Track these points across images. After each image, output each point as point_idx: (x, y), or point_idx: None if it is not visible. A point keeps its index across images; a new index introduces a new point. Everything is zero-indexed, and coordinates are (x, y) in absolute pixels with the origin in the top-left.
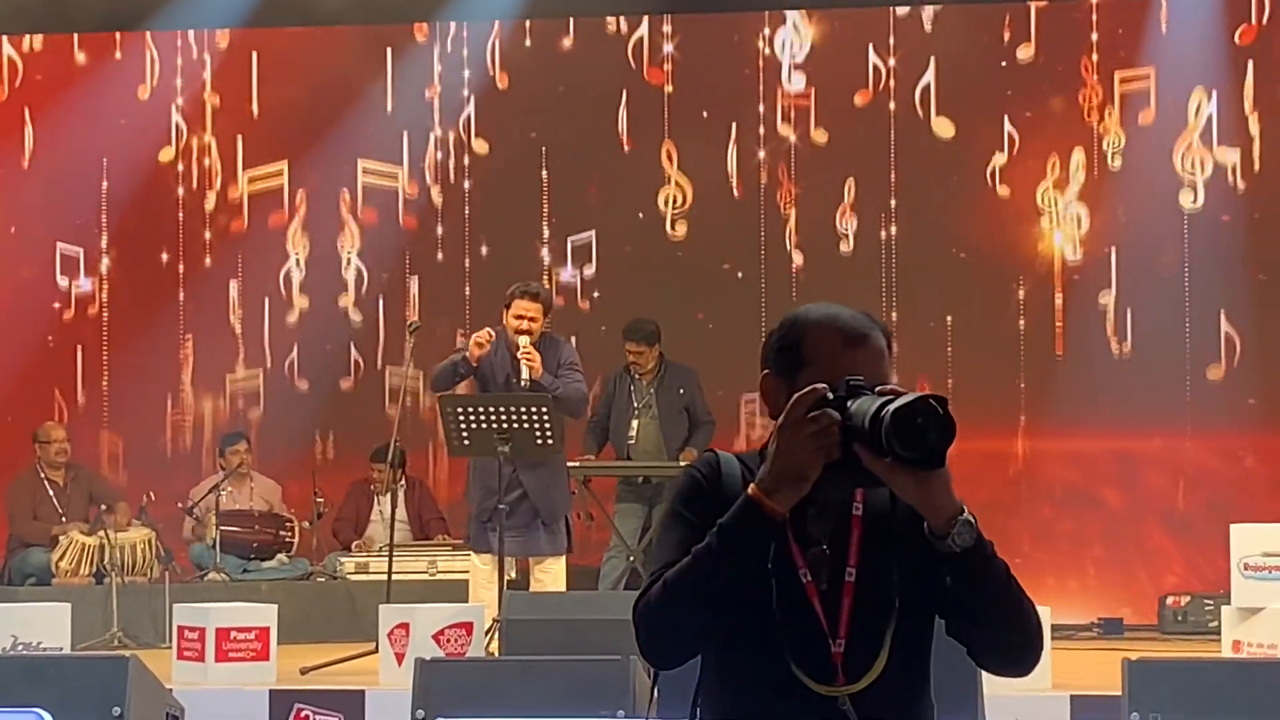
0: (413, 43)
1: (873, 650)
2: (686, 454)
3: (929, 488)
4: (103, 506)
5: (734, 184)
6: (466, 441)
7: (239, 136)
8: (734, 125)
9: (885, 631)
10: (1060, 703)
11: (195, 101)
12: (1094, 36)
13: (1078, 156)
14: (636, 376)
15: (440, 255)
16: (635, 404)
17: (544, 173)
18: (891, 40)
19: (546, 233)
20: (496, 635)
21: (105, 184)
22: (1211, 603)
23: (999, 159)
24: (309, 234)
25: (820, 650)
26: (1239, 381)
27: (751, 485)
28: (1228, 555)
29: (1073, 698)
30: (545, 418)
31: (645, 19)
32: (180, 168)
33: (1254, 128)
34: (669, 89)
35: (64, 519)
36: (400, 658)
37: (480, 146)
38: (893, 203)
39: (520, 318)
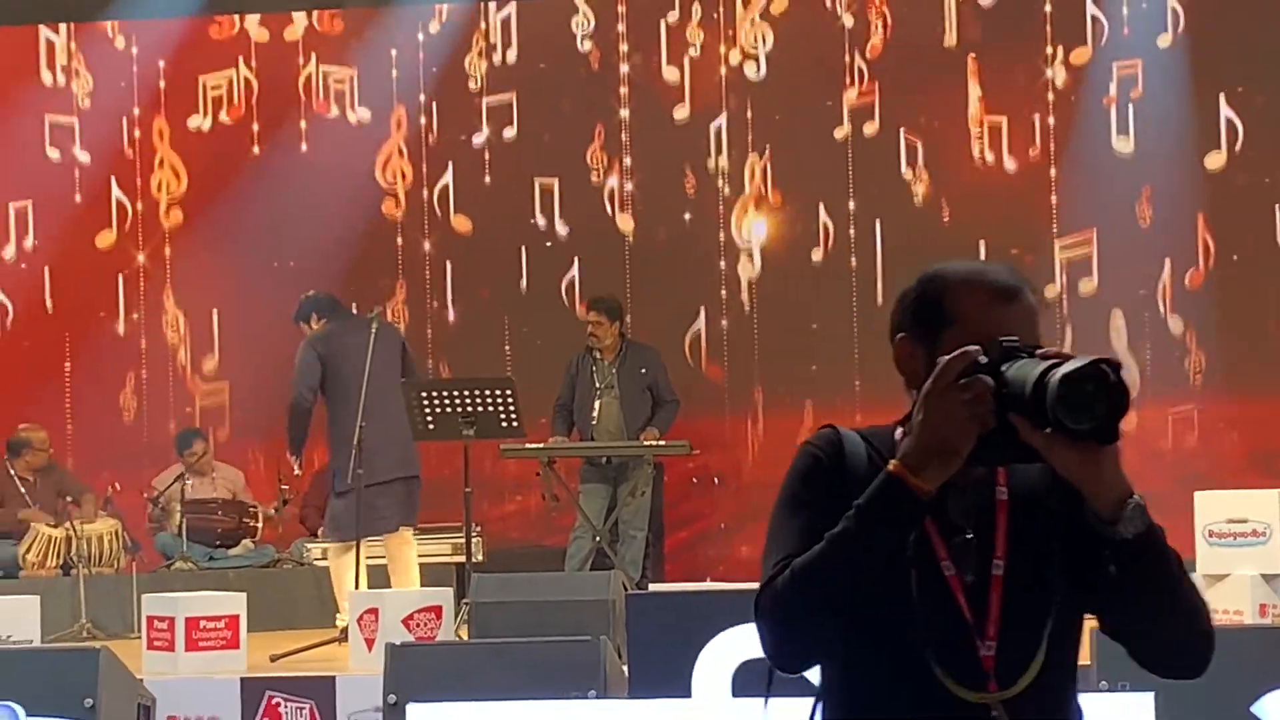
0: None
1: (1025, 652)
2: (648, 434)
3: (1097, 465)
4: (69, 499)
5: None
6: (431, 425)
7: None
8: None
9: (1039, 630)
10: None
11: None
12: None
13: None
14: (598, 357)
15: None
16: (597, 384)
17: None
18: None
19: None
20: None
21: None
22: None
23: None
24: None
25: (966, 652)
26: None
27: (893, 461)
28: (1191, 523)
29: None
30: (509, 400)
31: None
32: None
33: None
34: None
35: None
36: (370, 643)
37: None
38: None
39: None
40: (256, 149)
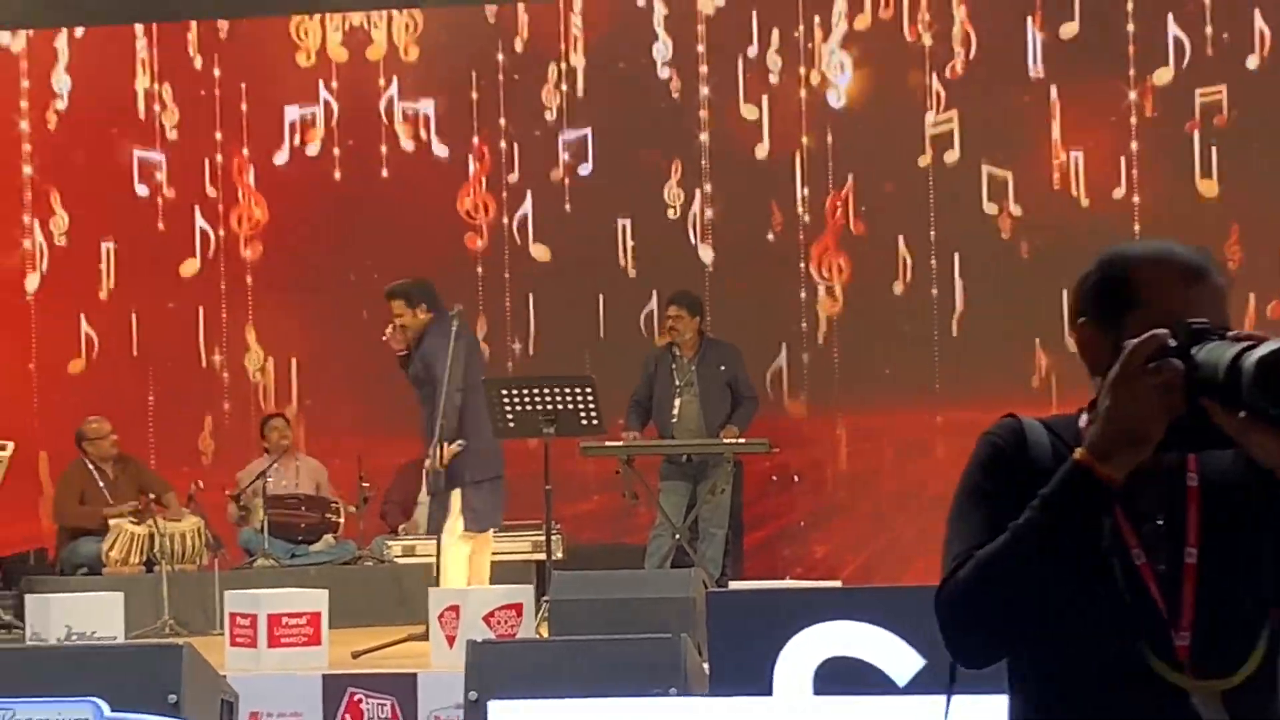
0: None
1: (1221, 643)
2: (728, 430)
3: None
4: (151, 496)
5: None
6: (511, 423)
7: None
8: None
9: (1235, 620)
10: None
11: None
12: None
13: None
14: (678, 354)
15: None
16: (677, 381)
17: None
18: None
19: None
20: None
21: None
22: None
23: None
24: None
25: (1161, 642)
26: None
27: (1079, 449)
28: None
29: None
30: (589, 398)
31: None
32: None
33: None
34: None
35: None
36: (451, 640)
37: None
38: None
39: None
40: (338, 174)
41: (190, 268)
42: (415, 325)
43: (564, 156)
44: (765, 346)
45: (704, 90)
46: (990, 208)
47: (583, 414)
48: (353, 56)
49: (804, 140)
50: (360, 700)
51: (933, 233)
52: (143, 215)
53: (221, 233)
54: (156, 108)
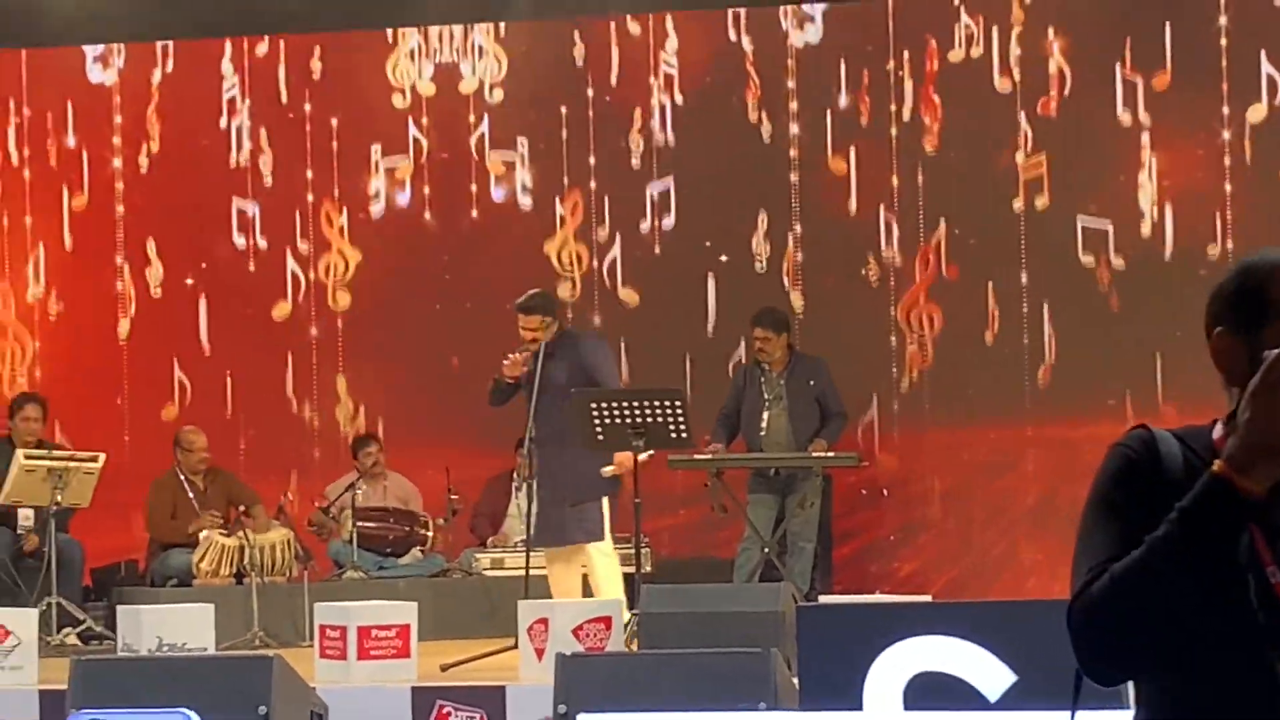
0: None
1: None
2: (816, 444)
3: None
4: (241, 508)
5: None
6: (600, 436)
7: None
8: None
9: None
10: None
11: None
12: None
13: None
14: (766, 368)
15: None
16: (766, 395)
17: None
18: None
19: None
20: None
21: None
22: None
23: None
24: None
25: None
26: None
27: (1218, 461)
28: None
29: None
30: (679, 411)
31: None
32: None
33: None
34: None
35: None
36: (540, 653)
37: None
38: None
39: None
40: (428, 215)
41: (281, 311)
42: (548, 337)
43: (651, 199)
44: (856, 392)
45: (794, 129)
46: (1087, 258)
47: (672, 427)
48: (442, 93)
49: (894, 182)
50: (449, 713)
51: (1024, 278)
52: (234, 260)
53: (313, 276)
54: (248, 145)
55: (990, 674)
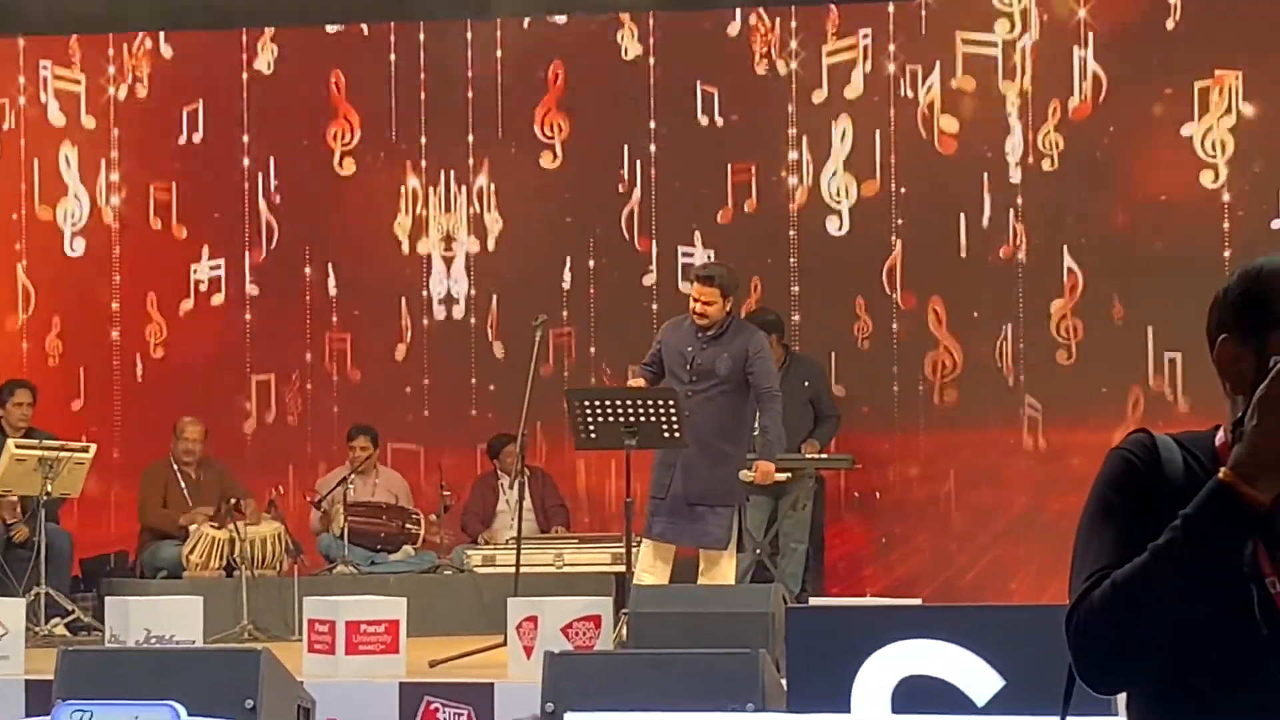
0: None
1: None
2: (809, 446)
3: None
4: (232, 501)
5: None
6: (593, 434)
7: None
8: None
9: None
10: None
11: None
12: None
13: None
14: None
15: None
16: None
17: None
18: None
19: None
20: (624, 628)
21: None
22: None
23: None
24: None
25: None
26: None
27: (1224, 469)
28: None
29: None
30: (672, 411)
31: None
32: None
33: None
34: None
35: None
36: (529, 650)
37: None
38: None
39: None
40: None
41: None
42: (720, 316)
43: None
44: None
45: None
46: None
47: (664, 426)
48: None
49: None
50: (437, 709)
51: None
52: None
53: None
54: None
55: (979, 678)
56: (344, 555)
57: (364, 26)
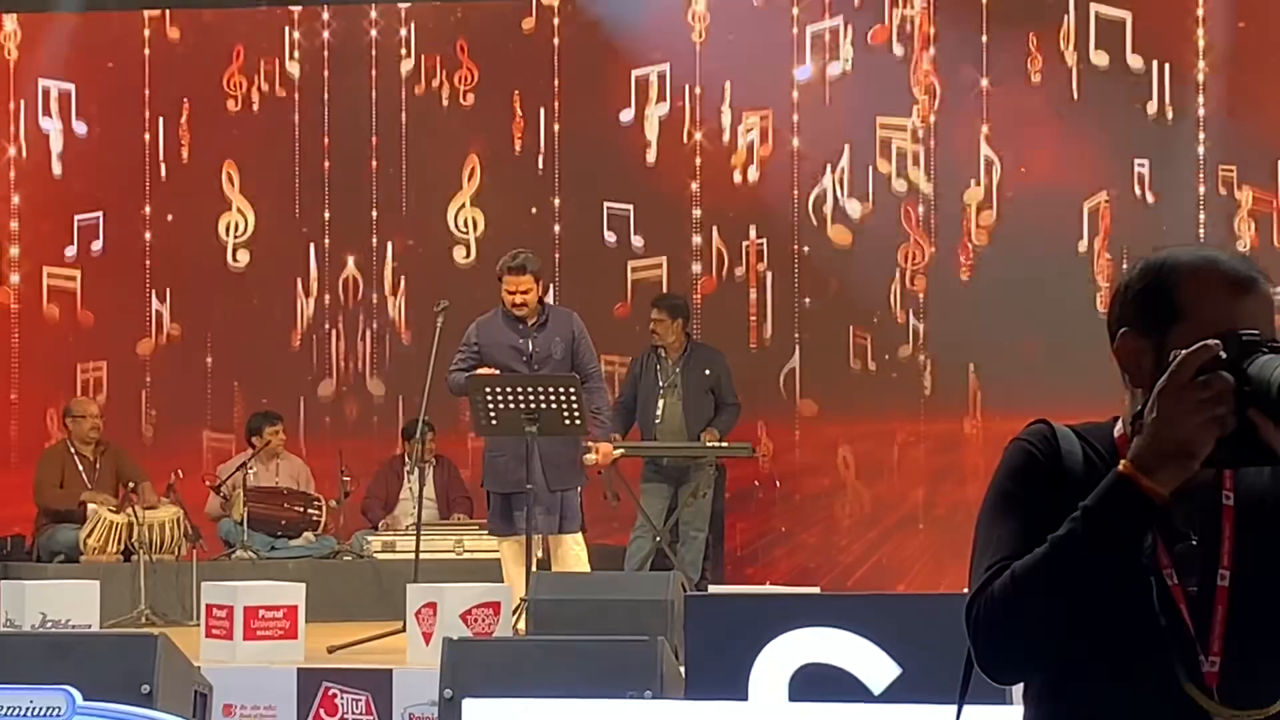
0: None
1: (1253, 671)
2: (708, 434)
3: None
4: (130, 485)
5: None
6: (494, 421)
7: None
8: None
9: (1276, 651)
10: None
11: None
12: None
13: None
14: (663, 356)
15: None
16: (661, 383)
17: None
18: None
19: None
20: (524, 615)
21: None
22: None
23: None
24: None
25: (1194, 667)
26: None
27: (1123, 461)
28: None
29: None
30: (573, 398)
31: None
32: None
33: None
34: None
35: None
36: (428, 637)
37: None
38: None
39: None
40: None
41: None
42: (535, 303)
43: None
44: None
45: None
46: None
47: (565, 414)
48: None
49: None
50: (335, 695)
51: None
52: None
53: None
54: None
55: (875, 666)
56: (243, 540)
57: None
